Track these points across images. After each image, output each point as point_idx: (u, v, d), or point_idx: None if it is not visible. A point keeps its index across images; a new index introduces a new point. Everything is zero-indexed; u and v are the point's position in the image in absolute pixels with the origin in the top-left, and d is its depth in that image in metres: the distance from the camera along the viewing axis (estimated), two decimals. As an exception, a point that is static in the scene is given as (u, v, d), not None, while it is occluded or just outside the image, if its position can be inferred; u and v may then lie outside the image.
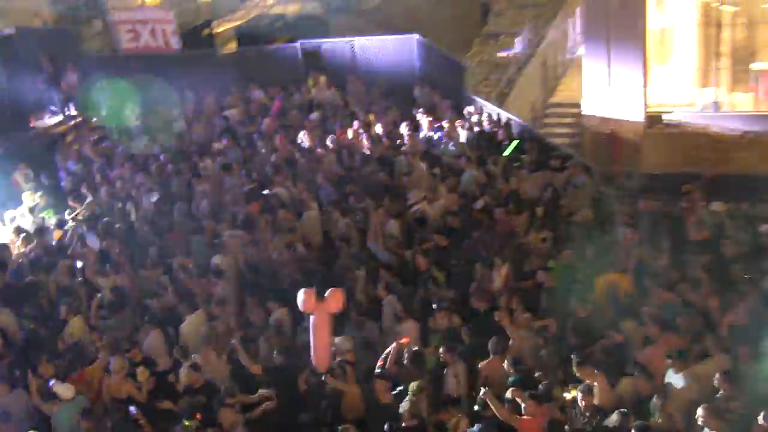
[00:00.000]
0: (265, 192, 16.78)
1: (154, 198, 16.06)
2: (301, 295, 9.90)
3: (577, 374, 9.90)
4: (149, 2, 29.69)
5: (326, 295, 9.93)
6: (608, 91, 21.75)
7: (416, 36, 23.24)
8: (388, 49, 23.33)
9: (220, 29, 30.41)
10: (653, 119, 21.84)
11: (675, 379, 9.83)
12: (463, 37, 28.21)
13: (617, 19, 21.16)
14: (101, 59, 24.71)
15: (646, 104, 21.74)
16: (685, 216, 14.83)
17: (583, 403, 9.58)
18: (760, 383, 9.65)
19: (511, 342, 11.03)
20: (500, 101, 22.58)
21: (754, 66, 21.77)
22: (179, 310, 12.32)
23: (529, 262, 13.33)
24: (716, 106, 21.80)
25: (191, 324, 11.68)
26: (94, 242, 14.54)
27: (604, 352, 10.76)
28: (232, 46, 27.34)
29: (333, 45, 23.99)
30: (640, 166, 20.58)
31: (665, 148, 21.35)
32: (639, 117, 21.58)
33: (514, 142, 18.59)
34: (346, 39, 24.02)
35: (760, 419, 8.56)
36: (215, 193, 16.84)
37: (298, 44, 23.71)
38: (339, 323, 11.48)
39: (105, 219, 15.85)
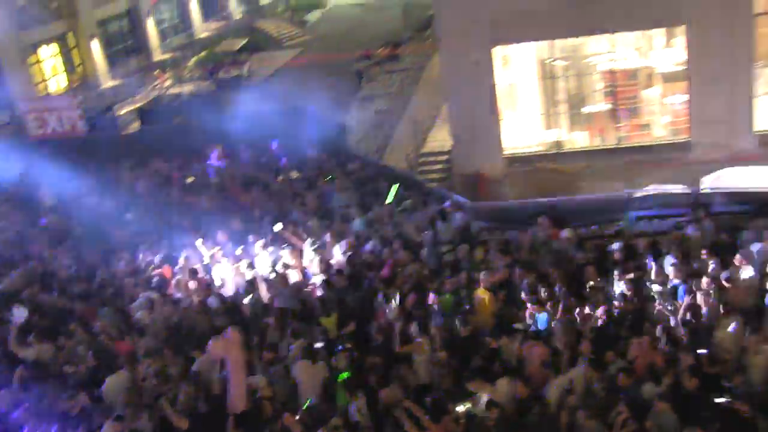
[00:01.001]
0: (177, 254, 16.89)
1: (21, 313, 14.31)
2: (211, 343, 9.90)
3: (470, 388, 10.55)
4: (55, 91, 29.97)
5: (233, 340, 9.84)
6: (471, 137, 22.56)
7: (303, 104, 23.84)
8: (279, 118, 23.50)
9: (123, 111, 30.50)
10: (510, 159, 22.93)
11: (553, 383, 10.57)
12: (342, 101, 28.79)
13: (472, 77, 22.12)
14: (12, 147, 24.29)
15: (502, 147, 22.82)
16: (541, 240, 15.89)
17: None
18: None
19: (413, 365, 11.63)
20: (379, 154, 23.71)
21: (585, 109, 23.33)
22: (101, 374, 12.08)
23: (420, 291, 13.80)
24: (559, 144, 23.16)
25: (114, 383, 11.54)
26: (19, 314, 13.91)
27: (484, 363, 11.36)
28: (135, 126, 27.42)
29: (226, 117, 24.02)
30: (503, 200, 20.95)
31: (522, 183, 22.11)
32: (498, 158, 22.66)
33: (394, 188, 19.13)
34: (239, 112, 24.30)
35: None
36: (130, 260, 16.95)
37: (196, 120, 24.11)
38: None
39: (27, 290, 15.61)
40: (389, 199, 19.01)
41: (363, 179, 20.21)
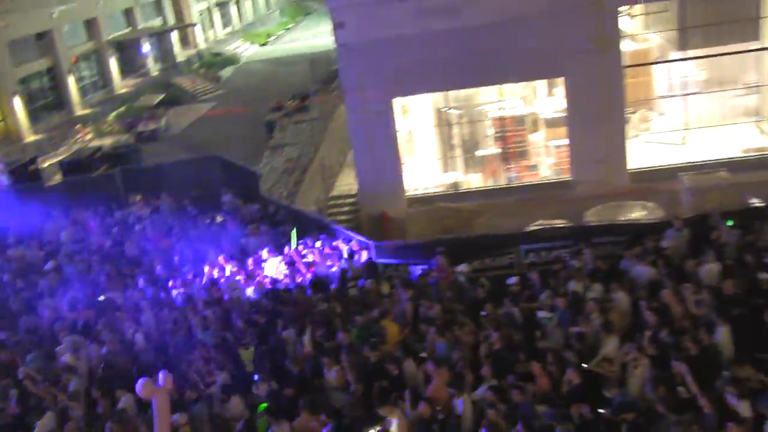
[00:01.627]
0: (101, 298, 16.88)
1: None
2: (139, 384, 9.62)
3: (380, 413, 10.53)
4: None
5: (161, 380, 9.68)
6: (375, 181, 22.88)
7: (217, 155, 23.93)
8: (194, 167, 23.59)
9: (46, 164, 30.05)
10: (412, 200, 23.30)
11: (459, 403, 10.79)
12: (254, 150, 29.08)
13: (375, 125, 22.45)
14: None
15: (404, 189, 23.17)
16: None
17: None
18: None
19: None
20: (291, 199, 23.49)
21: (479, 153, 23.88)
22: (27, 419, 11.99)
23: (330, 324, 13.99)
24: (456, 186, 23.60)
25: (42, 427, 11.41)
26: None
27: (391, 388, 11.36)
28: (58, 177, 27.03)
29: (146, 167, 24.59)
30: (406, 237, 21.54)
31: (423, 222, 22.38)
32: (400, 200, 23.00)
33: (293, 232, 19.30)
34: (157, 162, 24.53)
35: None
36: (55, 308, 16.65)
37: (117, 170, 23.84)
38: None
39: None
40: (293, 242, 19.07)
41: (276, 222, 20.27)
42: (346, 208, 24.88)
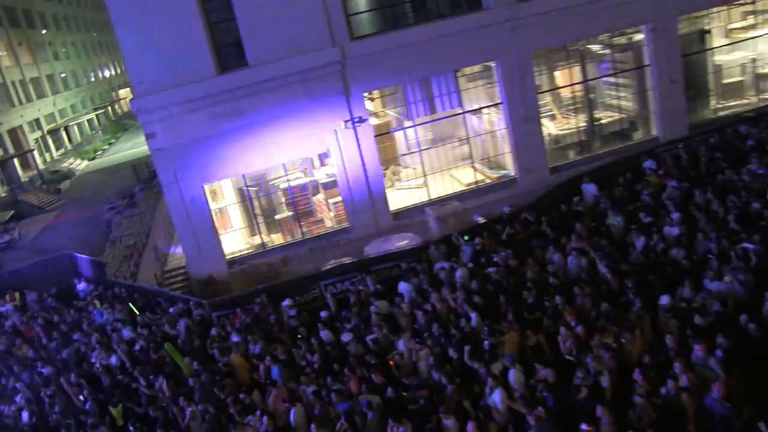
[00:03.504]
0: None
1: None
2: None
3: None
4: None
5: None
6: (199, 252, 23.44)
7: (66, 252, 24.55)
8: (49, 266, 23.79)
9: None
10: (231, 262, 23.93)
11: (291, 412, 12.09)
12: (97, 245, 29.13)
13: (192, 209, 23.02)
14: None
15: (224, 254, 23.87)
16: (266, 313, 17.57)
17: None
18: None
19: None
20: (133, 279, 23.90)
21: (276, 217, 25.01)
22: None
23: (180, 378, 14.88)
24: (263, 245, 24.45)
25: None
26: None
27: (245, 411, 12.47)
28: None
29: (7, 272, 24.29)
30: (231, 292, 22.07)
31: (243, 278, 23.35)
32: (222, 264, 23.69)
33: (131, 304, 20.09)
34: (16, 267, 24.34)
35: None
36: None
37: None
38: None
39: None
40: (136, 311, 19.80)
41: (124, 299, 20.89)
42: (180, 278, 25.25)
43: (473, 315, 14.17)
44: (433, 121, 25.99)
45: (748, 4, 28.31)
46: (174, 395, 14.21)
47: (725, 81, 28.62)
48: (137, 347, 17.32)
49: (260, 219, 24.92)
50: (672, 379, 10.31)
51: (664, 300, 12.97)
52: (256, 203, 24.89)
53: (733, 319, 11.89)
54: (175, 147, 22.53)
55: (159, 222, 29.66)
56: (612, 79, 27.80)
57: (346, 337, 15.21)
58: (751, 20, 28.83)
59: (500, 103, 25.47)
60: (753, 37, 28.47)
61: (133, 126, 71.64)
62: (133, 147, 57.01)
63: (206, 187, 23.66)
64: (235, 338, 16.40)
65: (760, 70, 28.68)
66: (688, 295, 13.07)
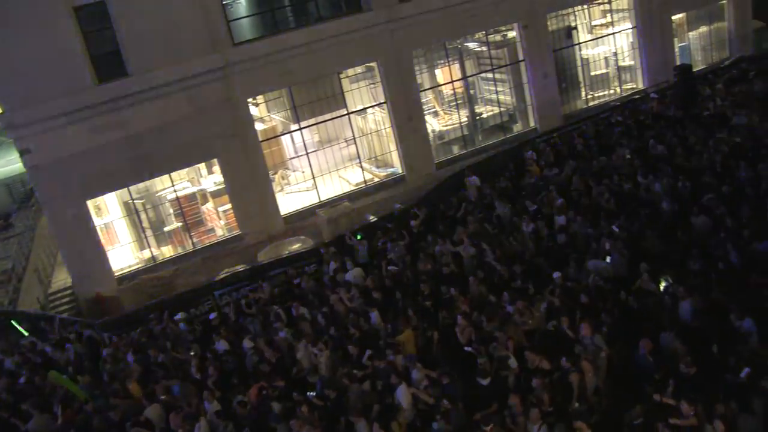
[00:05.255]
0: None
1: None
2: None
3: None
4: None
5: None
6: (85, 270, 22.66)
7: None
8: None
9: None
10: (121, 278, 23.42)
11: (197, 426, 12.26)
12: None
13: (75, 226, 22.29)
14: None
15: (112, 271, 23.14)
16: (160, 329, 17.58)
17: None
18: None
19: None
20: (13, 306, 23.02)
21: (166, 229, 24.75)
22: None
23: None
24: (154, 259, 23.99)
25: None
26: None
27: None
28: None
29: None
30: (122, 311, 21.65)
31: (133, 294, 22.77)
32: (111, 281, 23.05)
33: (17, 325, 19.88)
34: None
35: None
36: None
37: None
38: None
39: None
40: (24, 334, 19.54)
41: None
42: (66, 299, 24.41)
43: (372, 314, 14.68)
44: (318, 123, 26.54)
45: (605, 3, 30.44)
46: (66, 424, 13.93)
47: (593, 73, 30.62)
48: (22, 379, 16.71)
49: (149, 232, 24.67)
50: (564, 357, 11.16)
51: (556, 275, 13.99)
52: (143, 216, 24.52)
53: (614, 294, 12.90)
54: (53, 162, 21.88)
55: (40, 243, 28.63)
56: (490, 75, 29.17)
57: (246, 345, 15.32)
58: (609, 18, 31.03)
59: (384, 103, 26.31)
60: (612, 33, 30.66)
61: (3, 142, 67.48)
62: (7, 164, 53.88)
63: (90, 202, 23.22)
64: (130, 358, 16.26)
65: (621, 63, 30.89)
66: (573, 275, 14.06)
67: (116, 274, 23.71)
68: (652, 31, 30.75)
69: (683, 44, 32.46)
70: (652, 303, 12.43)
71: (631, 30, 30.97)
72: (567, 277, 14.12)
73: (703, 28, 33.03)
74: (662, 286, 12.88)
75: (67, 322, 20.17)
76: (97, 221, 24.04)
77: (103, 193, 23.83)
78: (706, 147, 19.16)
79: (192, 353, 15.68)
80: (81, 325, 19.20)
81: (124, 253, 24.93)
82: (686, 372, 10.19)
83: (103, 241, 23.67)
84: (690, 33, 32.80)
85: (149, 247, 24.56)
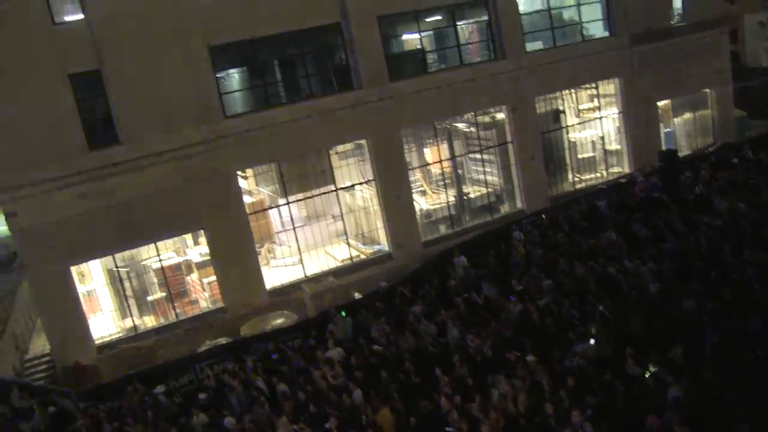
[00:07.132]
0: None
1: None
2: None
3: None
4: None
5: None
6: (65, 337, 22.44)
7: None
8: None
9: None
10: (101, 347, 23.13)
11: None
12: None
13: (57, 292, 22.14)
14: None
15: (93, 339, 22.94)
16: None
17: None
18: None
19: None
20: None
21: (149, 299, 24.55)
22: None
23: None
24: (136, 328, 23.52)
25: None
26: None
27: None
28: None
29: None
30: (104, 378, 21.61)
31: (113, 363, 22.52)
32: (90, 349, 22.78)
33: None
34: None
35: None
36: None
37: None
38: None
39: None
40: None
41: None
42: (43, 366, 24.15)
43: (355, 393, 14.61)
44: (306, 198, 26.69)
45: (592, 88, 31.32)
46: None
47: (580, 156, 31.21)
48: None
49: (132, 301, 24.44)
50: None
51: (528, 359, 14.00)
52: (127, 284, 24.41)
53: (599, 376, 12.87)
54: (39, 227, 21.88)
55: (18, 308, 28.27)
56: (478, 156, 29.59)
57: (225, 422, 15.27)
58: (596, 102, 31.88)
59: (372, 180, 26.61)
60: (599, 117, 31.38)
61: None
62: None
63: (73, 268, 23.12)
64: (107, 429, 16.11)
65: (608, 147, 31.56)
66: (558, 356, 14.06)
67: (97, 342, 23.50)
68: (637, 117, 31.59)
69: (668, 130, 33.29)
70: (638, 388, 12.41)
71: (617, 115, 31.72)
72: (552, 359, 14.07)
73: (688, 115, 33.97)
74: (647, 374, 12.83)
75: (42, 390, 19.87)
76: (80, 288, 23.95)
77: (87, 259, 23.77)
78: (691, 230, 19.33)
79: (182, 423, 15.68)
80: (58, 393, 18.93)
81: (105, 321, 24.76)
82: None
83: (85, 308, 23.52)
84: (675, 119, 33.66)
85: (131, 316, 24.34)
